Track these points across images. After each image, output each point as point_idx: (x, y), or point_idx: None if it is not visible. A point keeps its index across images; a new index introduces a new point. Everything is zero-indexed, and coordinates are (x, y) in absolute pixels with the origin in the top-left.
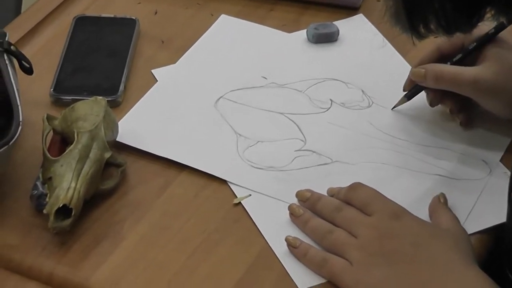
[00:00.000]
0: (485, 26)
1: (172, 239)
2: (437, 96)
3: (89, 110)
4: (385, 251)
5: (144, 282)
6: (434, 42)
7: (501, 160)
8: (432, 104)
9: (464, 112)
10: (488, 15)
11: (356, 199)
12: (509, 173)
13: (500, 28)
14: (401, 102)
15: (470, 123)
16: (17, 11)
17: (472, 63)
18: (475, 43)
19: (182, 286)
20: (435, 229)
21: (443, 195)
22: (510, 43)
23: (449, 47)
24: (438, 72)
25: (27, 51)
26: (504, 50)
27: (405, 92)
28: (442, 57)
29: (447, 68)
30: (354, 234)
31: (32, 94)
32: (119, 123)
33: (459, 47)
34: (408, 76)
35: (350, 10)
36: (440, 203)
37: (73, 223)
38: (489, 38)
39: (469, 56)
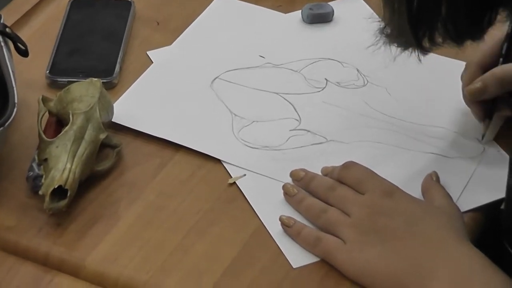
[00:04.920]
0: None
1: (168, 219)
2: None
3: (84, 91)
4: (378, 229)
5: (139, 262)
6: (471, 62)
7: (494, 139)
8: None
9: None
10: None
11: (349, 177)
12: (501, 151)
13: None
14: (486, 128)
15: None
16: None
17: None
18: (506, 43)
19: (177, 265)
20: (427, 206)
21: (435, 173)
22: None
23: (488, 58)
24: (500, 75)
25: (24, 33)
26: None
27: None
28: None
29: (506, 68)
30: (347, 212)
31: (28, 76)
32: (114, 104)
33: (496, 55)
34: (471, 104)
35: None
36: (432, 180)
37: (69, 204)
38: None
39: (508, 57)
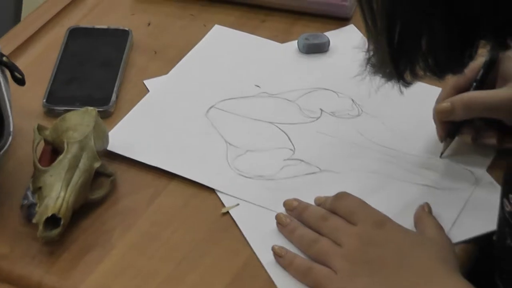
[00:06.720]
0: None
1: (161, 248)
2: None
3: (79, 120)
4: (368, 260)
5: None
6: (448, 83)
7: (487, 170)
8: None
9: (488, 133)
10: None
11: (341, 208)
12: (494, 182)
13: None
14: (446, 145)
15: (503, 140)
16: (16, 22)
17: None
18: (482, 70)
19: None
20: (418, 237)
21: (427, 204)
22: None
23: (463, 81)
24: (467, 100)
25: (22, 61)
26: None
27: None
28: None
29: (475, 94)
30: (338, 242)
31: (25, 104)
32: (110, 133)
33: (472, 79)
34: (437, 122)
35: (342, 21)
36: (424, 211)
37: (62, 233)
38: (494, 60)
39: (482, 84)
